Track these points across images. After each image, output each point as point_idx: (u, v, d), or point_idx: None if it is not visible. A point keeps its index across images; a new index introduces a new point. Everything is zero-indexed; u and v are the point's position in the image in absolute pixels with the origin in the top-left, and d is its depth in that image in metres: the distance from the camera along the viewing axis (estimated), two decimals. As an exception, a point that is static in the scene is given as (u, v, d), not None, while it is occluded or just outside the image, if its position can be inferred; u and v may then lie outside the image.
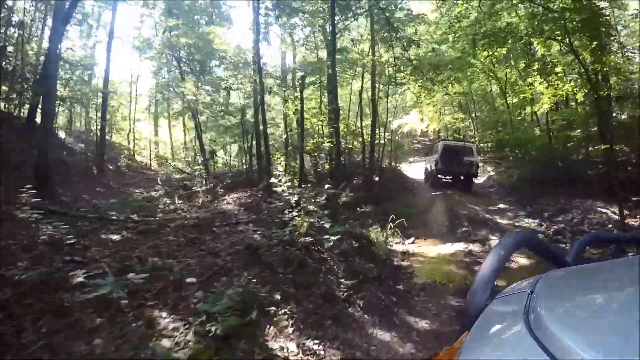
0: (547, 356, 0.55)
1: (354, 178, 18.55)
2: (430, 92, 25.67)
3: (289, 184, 12.94)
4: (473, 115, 28.26)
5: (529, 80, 14.31)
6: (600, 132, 13.81)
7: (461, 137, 32.50)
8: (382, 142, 20.00)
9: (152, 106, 33.81)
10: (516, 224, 11.52)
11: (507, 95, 24.69)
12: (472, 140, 28.19)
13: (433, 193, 16.01)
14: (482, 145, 28.66)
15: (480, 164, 23.84)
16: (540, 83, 13.24)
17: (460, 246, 9.68)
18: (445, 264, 8.48)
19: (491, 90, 29.84)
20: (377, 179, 17.06)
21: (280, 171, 23.46)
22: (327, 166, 21.08)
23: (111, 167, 23.06)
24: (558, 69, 12.97)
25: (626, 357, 0.51)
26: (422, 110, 28.50)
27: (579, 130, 15.72)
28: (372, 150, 17.53)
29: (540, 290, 0.83)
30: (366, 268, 6.89)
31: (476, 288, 0.95)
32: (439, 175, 15.98)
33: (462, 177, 15.35)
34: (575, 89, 13.11)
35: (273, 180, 11.98)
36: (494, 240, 9.60)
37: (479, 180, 20.88)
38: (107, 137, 26.01)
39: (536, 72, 13.66)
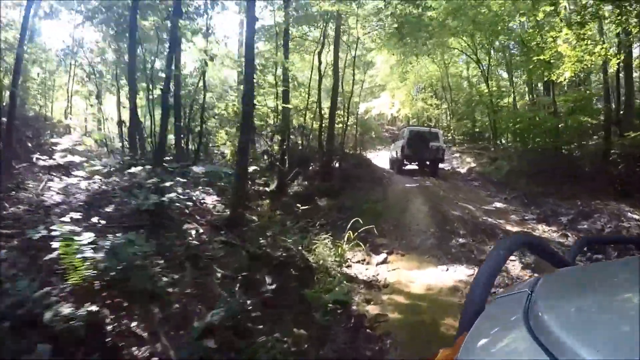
0: (547, 356, 0.54)
1: (310, 164, 14.60)
2: (405, 65, 22.12)
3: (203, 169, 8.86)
4: (448, 102, 24.83)
5: (551, 35, 10.63)
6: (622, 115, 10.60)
7: (432, 124, 29.21)
8: (346, 124, 16.04)
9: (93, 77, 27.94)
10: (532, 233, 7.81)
11: (489, 79, 21.33)
12: (448, 129, 24.81)
13: (408, 185, 12.26)
14: (457, 134, 25.32)
15: (457, 154, 20.64)
16: (565, 41, 9.64)
17: (461, 271, 5.87)
18: (444, 310, 4.54)
19: (469, 76, 26.53)
20: (337, 165, 13.06)
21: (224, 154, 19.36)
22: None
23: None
24: (591, 25, 9.40)
25: (626, 357, 0.50)
26: (393, 92, 24.80)
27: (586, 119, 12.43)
28: (332, 130, 13.52)
29: (540, 290, 0.82)
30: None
31: (475, 288, 0.90)
32: (405, 161, 15.23)
33: (428, 162, 14.94)
34: (609, 55, 9.51)
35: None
36: (516, 265, 5.77)
37: (461, 170, 17.41)
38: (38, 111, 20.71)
39: (562, 23, 9.99)
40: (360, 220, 7.09)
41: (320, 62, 14.13)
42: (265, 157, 18.03)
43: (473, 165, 17.69)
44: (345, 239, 6.66)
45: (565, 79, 10.88)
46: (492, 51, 21.14)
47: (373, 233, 7.23)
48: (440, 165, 15.90)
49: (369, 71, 27.54)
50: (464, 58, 24.10)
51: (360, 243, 6.75)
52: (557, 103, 13.27)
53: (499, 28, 18.94)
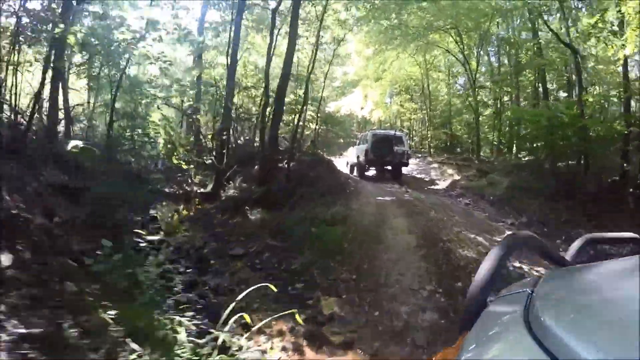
0: (547, 356, 0.53)
1: (255, 163, 10.88)
2: (382, 57, 18.80)
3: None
4: (427, 108, 21.65)
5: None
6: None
7: (408, 131, 26.06)
8: (300, 112, 12.36)
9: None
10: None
11: (475, 86, 18.35)
12: (425, 137, 21.64)
13: (381, 198, 8.80)
14: (434, 143, 22.20)
15: (435, 165, 17.43)
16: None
17: None
18: None
19: (449, 79, 23.59)
20: (286, 165, 9.37)
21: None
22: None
23: None
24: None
25: (626, 357, 0.48)
26: (366, 90, 21.36)
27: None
28: (277, 120, 9.85)
29: (540, 290, 0.79)
30: None
31: (476, 288, 0.89)
32: (368, 166, 13.93)
33: (392, 167, 13.89)
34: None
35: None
36: None
37: (440, 185, 14.07)
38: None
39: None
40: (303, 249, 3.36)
41: (271, 40, 10.59)
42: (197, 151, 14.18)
43: (457, 178, 14.40)
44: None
45: (626, 55, 7.63)
46: (480, 50, 18.14)
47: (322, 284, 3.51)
48: (418, 176, 14.60)
49: (342, 67, 24.23)
50: (449, 59, 21.12)
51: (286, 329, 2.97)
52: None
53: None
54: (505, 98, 20.46)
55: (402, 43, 18.18)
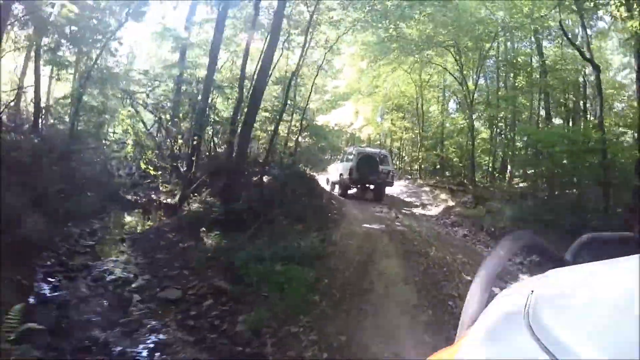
0: (547, 356, 0.52)
1: (228, 174, 9.33)
2: (377, 72, 17.58)
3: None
4: (420, 128, 20.42)
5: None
6: None
7: (398, 151, 24.82)
8: (278, 121, 10.95)
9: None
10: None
11: (472, 108, 17.22)
12: (416, 159, 20.40)
13: (368, 225, 7.35)
14: (425, 165, 20.95)
15: (426, 188, 16.12)
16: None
17: None
18: None
19: (444, 100, 22.56)
20: (259, 180, 7.85)
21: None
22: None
23: None
24: None
25: (626, 357, 0.48)
26: (357, 105, 20.11)
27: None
28: (249, 126, 8.33)
29: (540, 290, 0.75)
30: None
31: (476, 288, 0.84)
32: (352, 185, 13.05)
33: (376, 187, 13.18)
34: None
35: None
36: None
37: (433, 211, 12.69)
38: None
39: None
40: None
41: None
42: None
43: (451, 204, 13.04)
44: None
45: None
46: (479, 70, 17.08)
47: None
48: (408, 200, 13.81)
49: (334, 80, 23.02)
50: (445, 79, 20.08)
51: None
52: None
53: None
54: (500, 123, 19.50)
55: (399, 57, 17.07)
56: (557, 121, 16.70)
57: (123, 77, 14.12)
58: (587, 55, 8.09)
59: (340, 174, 12.96)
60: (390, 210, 11.31)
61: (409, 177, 20.58)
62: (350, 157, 12.53)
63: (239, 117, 8.89)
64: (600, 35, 14.75)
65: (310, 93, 13.62)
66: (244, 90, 10.16)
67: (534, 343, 0.55)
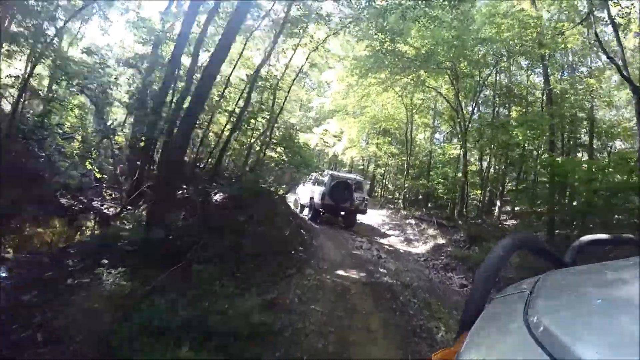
0: (547, 356, 0.53)
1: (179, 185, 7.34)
2: (366, 94, 16.02)
3: None
4: (407, 154, 18.86)
5: None
6: None
7: (382, 177, 23.25)
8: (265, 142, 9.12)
9: None
10: None
11: (466, 137, 15.79)
12: (401, 187, 18.73)
13: (342, 274, 5.35)
14: (410, 196, 19.32)
15: (411, 220, 14.42)
16: None
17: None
18: None
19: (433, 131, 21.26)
20: (202, 202, 5.84)
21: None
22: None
23: None
24: None
25: (626, 357, 0.48)
26: (343, 124, 18.46)
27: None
28: (181, 137, 6.34)
29: (540, 290, 0.80)
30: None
31: (476, 288, 0.89)
32: (324, 211, 11.88)
33: (348, 214, 12.16)
34: None
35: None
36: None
37: (420, 248, 10.89)
38: None
39: None
40: None
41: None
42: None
43: (440, 241, 11.24)
44: None
45: None
46: (477, 97, 15.75)
47: None
48: (391, 233, 12.54)
49: (320, 98, 21.43)
50: (437, 105, 18.73)
51: None
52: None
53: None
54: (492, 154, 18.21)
55: (391, 77, 15.62)
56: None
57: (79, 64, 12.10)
58: (625, 73, 6.64)
59: (311, 198, 12.15)
60: (371, 245, 9.47)
61: (392, 206, 18.87)
62: (324, 181, 11.73)
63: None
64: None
65: (285, 99, 11.82)
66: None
67: (534, 343, 0.55)
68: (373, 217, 15.57)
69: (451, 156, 20.68)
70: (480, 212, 16.61)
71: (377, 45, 13.19)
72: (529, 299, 0.75)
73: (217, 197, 7.07)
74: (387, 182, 22.86)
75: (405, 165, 18.34)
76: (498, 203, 17.90)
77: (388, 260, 7.79)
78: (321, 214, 11.99)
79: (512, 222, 17.99)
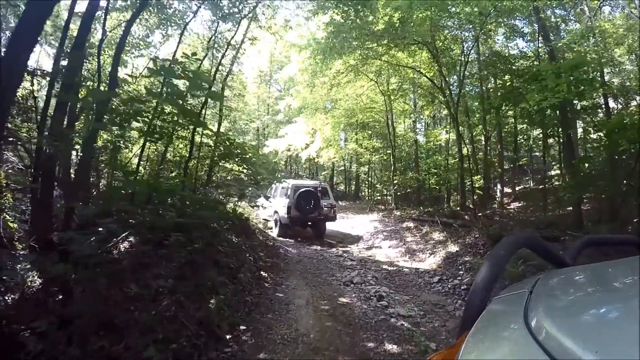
0: (546, 356, 0.52)
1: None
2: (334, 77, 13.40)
3: None
4: (391, 146, 16.26)
5: None
6: None
7: (366, 176, 20.75)
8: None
9: None
10: None
11: (456, 117, 13.35)
12: (388, 183, 16.17)
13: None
14: (400, 192, 16.76)
15: (408, 223, 11.91)
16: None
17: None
18: None
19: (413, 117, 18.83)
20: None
21: None
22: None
23: None
24: None
25: (626, 357, 0.48)
26: (314, 122, 15.81)
27: None
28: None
29: (540, 290, 0.80)
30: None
31: (476, 288, 0.87)
32: (291, 224, 10.64)
33: (317, 224, 11.12)
34: None
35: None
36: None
37: (427, 262, 8.28)
38: None
39: None
40: None
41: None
42: None
43: (453, 249, 8.63)
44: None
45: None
46: (463, 69, 13.32)
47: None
48: (388, 243, 10.45)
49: (286, 98, 18.77)
50: (417, 89, 16.26)
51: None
52: None
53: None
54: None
55: (362, 59, 13.13)
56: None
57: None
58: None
59: (275, 212, 11.05)
60: (365, 271, 6.83)
61: (382, 207, 16.32)
62: (287, 192, 10.69)
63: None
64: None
65: (222, 89, 9.15)
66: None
67: (533, 343, 0.55)
68: (363, 224, 12.96)
69: (438, 141, 18.38)
70: (483, 201, 14.19)
71: (339, 19, 10.70)
72: (529, 299, 0.74)
73: (125, 245, 4.32)
74: (373, 181, 20.31)
75: (391, 159, 15.76)
76: (499, 187, 15.48)
77: (393, 298, 5.17)
78: (289, 228, 10.79)
79: (515, 204, 15.70)
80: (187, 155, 6.42)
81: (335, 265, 7.38)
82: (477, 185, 14.76)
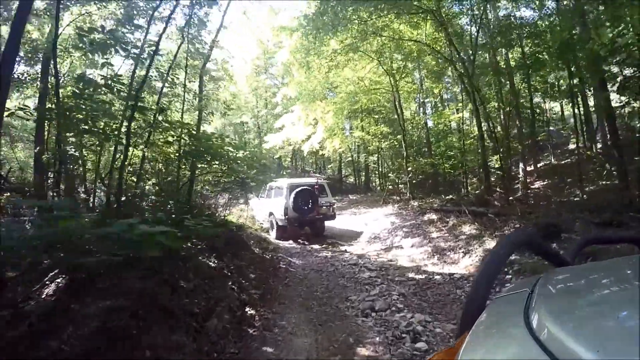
0: (547, 356, 0.52)
1: None
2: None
3: None
4: (402, 129, 14.42)
5: None
6: None
7: (377, 166, 19.10)
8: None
9: None
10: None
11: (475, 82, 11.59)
12: (407, 169, 14.44)
13: None
14: (415, 180, 15.07)
15: (431, 216, 10.25)
16: None
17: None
18: None
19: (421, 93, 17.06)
20: None
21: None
22: None
23: None
24: None
25: (626, 357, 0.48)
26: (313, 109, 14.17)
27: None
28: None
29: (540, 290, 0.78)
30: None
31: (476, 288, 0.86)
32: (289, 226, 9.62)
33: (316, 223, 10.29)
34: None
35: None
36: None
37: (462, 263, 6.62)
38: None
39: None
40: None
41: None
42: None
43: (492, 244, 6.98)
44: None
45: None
46: (476, 33, 11.51)
47: None
48: (409, 242, 8.71)
49: (283, 88, 17.12)
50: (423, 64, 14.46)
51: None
52: None
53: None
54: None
55: (359, 35, 11.42)
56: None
57: None
58: None
59: (271, 213, 10.35)
60: (387, 287, 5.23)
61: (396, 198, 14.64)
62: (282, 192, 9.97)
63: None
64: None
65: (200, 77, 7.59)
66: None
67: (534, 343, 0.55)
68: (378, 220, 11.31)
69: (451, 121, 16.61)
70: (506, 182, 12.38)
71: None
72: (529, 298, 0.73)
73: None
74: (384, 170, 18.59)
75: (402, 143, 14.01)
76: (521, 165, 13.66)
77: (433, 333, 3.59)
78: (286, 230, 9.82)
79: (539, 183, 13.90)
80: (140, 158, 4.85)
81: (349, 279, 5.79)
82: (497, 166, 13.04)
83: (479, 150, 13.03)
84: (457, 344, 0.75)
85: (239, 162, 5.80)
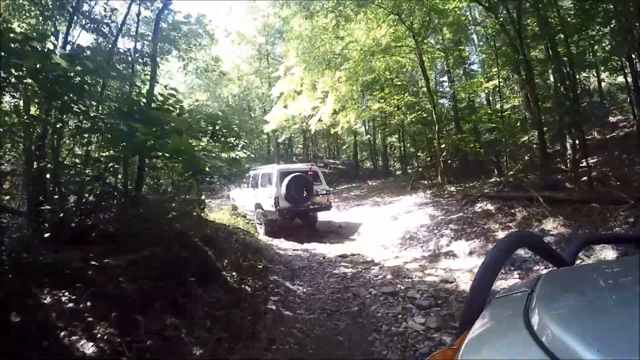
0: (547, 356, 0.51)
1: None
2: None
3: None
4: (430, 97, 11.41)
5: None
6: None
7: (400, 143, 16.27)
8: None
9: None
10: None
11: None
12: (436, 150, 11.56)
13: None
14: (450, 159, 12.19)
15: (488, 205, 7.36)
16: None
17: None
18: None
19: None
20: None
21: None
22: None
23: None
24: None
25: (626, 357, 0.46)
26: (314, 77, 11.40)
27: None
28: None
29: (540, 290, 0.75)
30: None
31: (476, 288, 0.83)
32: (280, 217, 8.27)
33: (310, 214, 9.11)
34: None
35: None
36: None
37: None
38: None
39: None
40: None
41: None
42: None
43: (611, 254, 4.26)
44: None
45: None
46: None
47: None
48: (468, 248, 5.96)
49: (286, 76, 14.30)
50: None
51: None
52: None
53: None
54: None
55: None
56: None
57: None
58: None
59: (258, 205, 8.89)
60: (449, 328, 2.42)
61: (428, 183, 11.81)
62: (270, 179, 8.60)
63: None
64: None
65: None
66: None
67: (534, 343, 0.54)
68: (409, 212, 8.57)
69: (483, 91, 13.60)
70: (575, 158, 9.40)
71: None
72: (529, 298, 0.72)
73: None
74: (409, 151, 15.70)
75: (433, 115, 11.06)
76: (568, 140, 10.51)
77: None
78: (276, 223, 8.51)
79: (589, 160, 10.85)
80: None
81: (390, 337, 3.12)
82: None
83: (529, 122, 10.06)
84: (457, 344, 0.72)
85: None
